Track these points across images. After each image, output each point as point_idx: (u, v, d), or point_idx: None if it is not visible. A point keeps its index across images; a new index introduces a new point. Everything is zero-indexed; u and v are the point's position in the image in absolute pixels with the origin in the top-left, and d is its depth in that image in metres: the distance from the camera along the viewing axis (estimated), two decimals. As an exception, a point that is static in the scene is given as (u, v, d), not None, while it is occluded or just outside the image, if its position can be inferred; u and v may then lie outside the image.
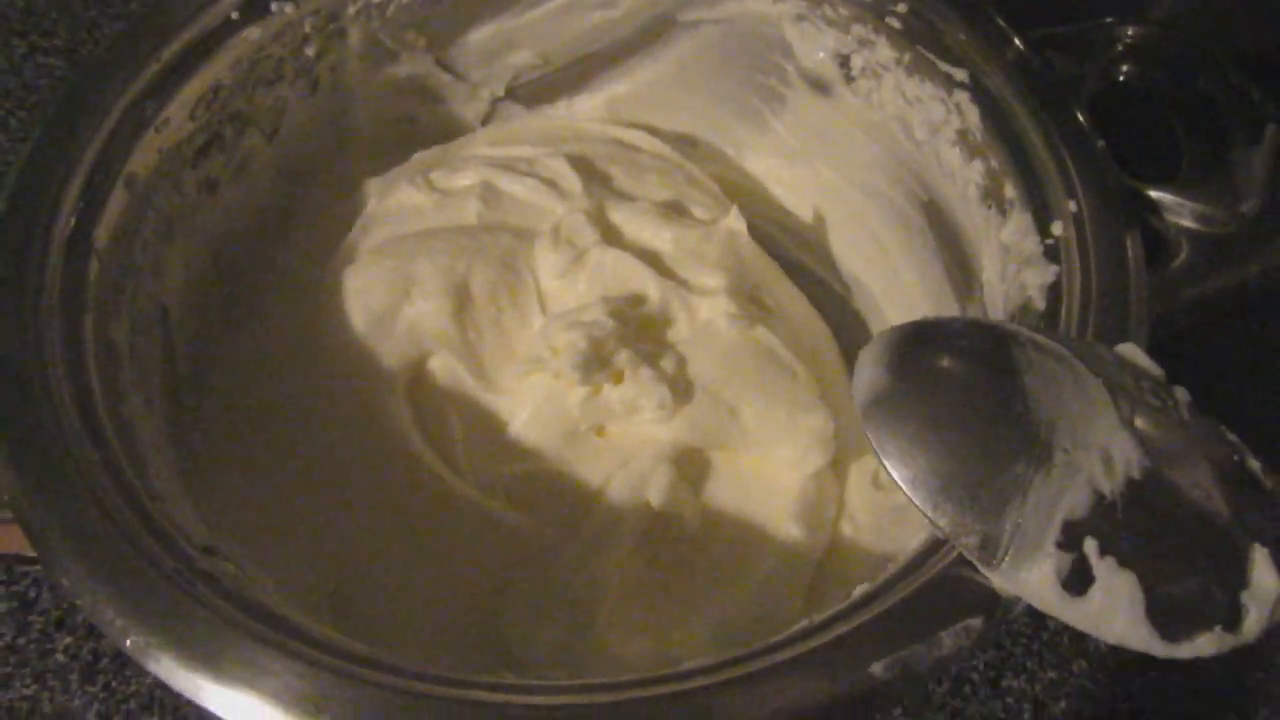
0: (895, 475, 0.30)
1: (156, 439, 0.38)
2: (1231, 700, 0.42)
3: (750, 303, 0.46)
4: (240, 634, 0.30)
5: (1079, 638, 0.44)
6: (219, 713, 0.29)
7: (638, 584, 0.41)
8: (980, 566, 0.29)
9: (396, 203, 0.48)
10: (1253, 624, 0.29)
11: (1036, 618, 0.44)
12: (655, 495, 0.41)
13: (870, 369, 0.31)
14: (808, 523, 0.42)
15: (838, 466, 0.44)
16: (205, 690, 0.29)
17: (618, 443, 0.43)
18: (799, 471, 0.43)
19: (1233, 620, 0.29)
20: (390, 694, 0.29)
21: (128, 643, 0.29)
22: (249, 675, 0.29)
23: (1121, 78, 0.47)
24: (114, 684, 0.42)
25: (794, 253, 0.53)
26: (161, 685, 0.42)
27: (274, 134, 0.48)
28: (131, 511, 0.32)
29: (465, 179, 0.49)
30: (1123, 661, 0.43)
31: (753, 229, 0.50)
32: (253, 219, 0.48)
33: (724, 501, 0.43)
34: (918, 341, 0.32)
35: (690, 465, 0.43)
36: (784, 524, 0.42)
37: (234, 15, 0.44)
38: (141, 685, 0.42)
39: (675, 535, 0.42)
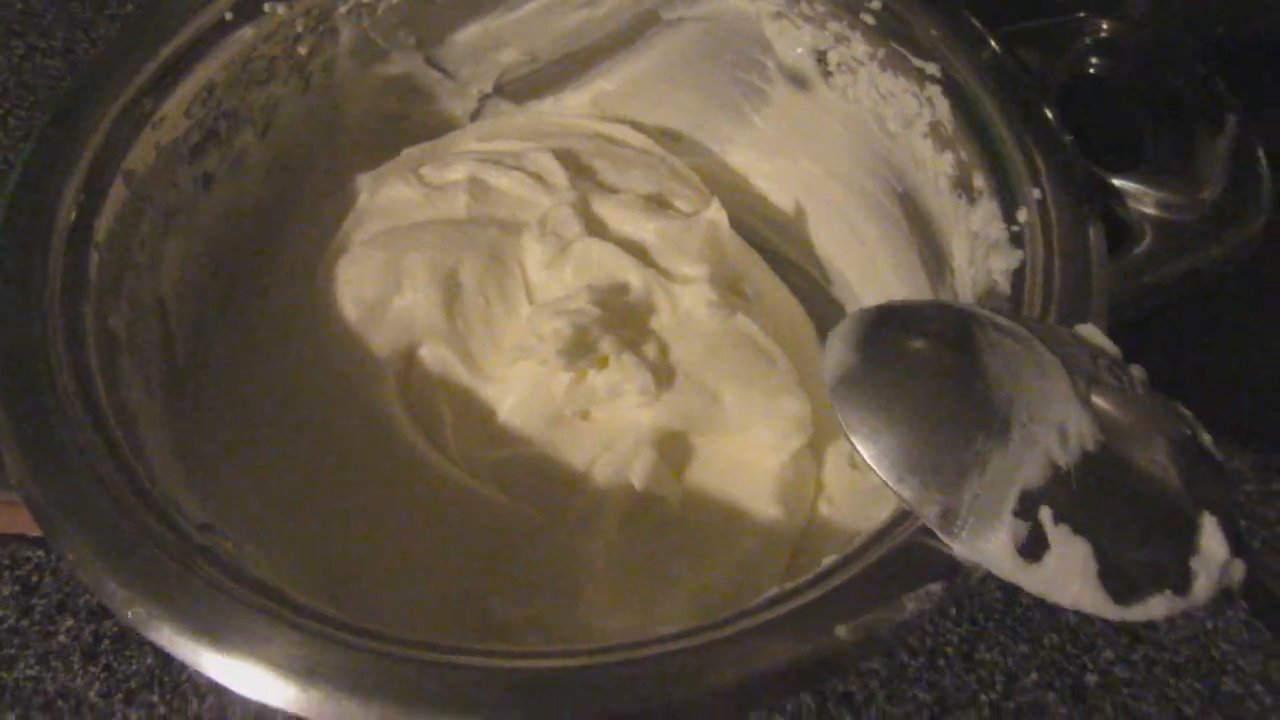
0: (861, 450, 0.31)
1: (155, 424, 0.39)
2: (1196, 669, 0.44)
3: (731, 291, 0.48)
4: (237, 604, 0.31)
5: (1050, 613, 0.45)
6: (217, 678, 0.30)
7: (621, 563, 0.42)
8: (941, 535, 0.30)
9: (387, 197, 0.50)
10: (1202, 589, 0.30)
11: (1009, 594, 0.46)
12: (638, 477, 0.43)
13: (839, 349, 0.33)
14: (786, 503, 0.44)
15: (816, 449, 0.46)
16: (204, 658, 0.30)
17: (602, 427, 0.45)
18: (778, 454, 0.44)
19: (1183, 585, 0.30)
20: (377, 658, 0.30)
21: (130, 614, 0.30)
22: (246, 643, 0.30)
23: (1091, 70, 0.48)
24: (115, 664, 0.44)
25: (775, 243, 0.55)
26: (161, 664, 0.44)
27: (267, 131, 0.50)
28: (131, 491, 0.34)
29: (454, 173, 0.50)
30: (1091, 635, 0.45)
31: (735, 221, 0.51)
32: (247, 214, 0.49)
33: (705, 483, 0.45)
34: (884, 323, 0.34)
35: (672, 448, 0.45)
36: (763, 504, 0.44)
37: (228, 16, 0.45)
38: (142, 665, 0.44)
39: (658, 516, 0.43)
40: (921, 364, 0.33)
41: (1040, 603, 0.46)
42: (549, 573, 0.42)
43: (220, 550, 0.34)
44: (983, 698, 0.43)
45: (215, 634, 0.31)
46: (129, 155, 0.42)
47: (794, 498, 0.44)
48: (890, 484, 0.31)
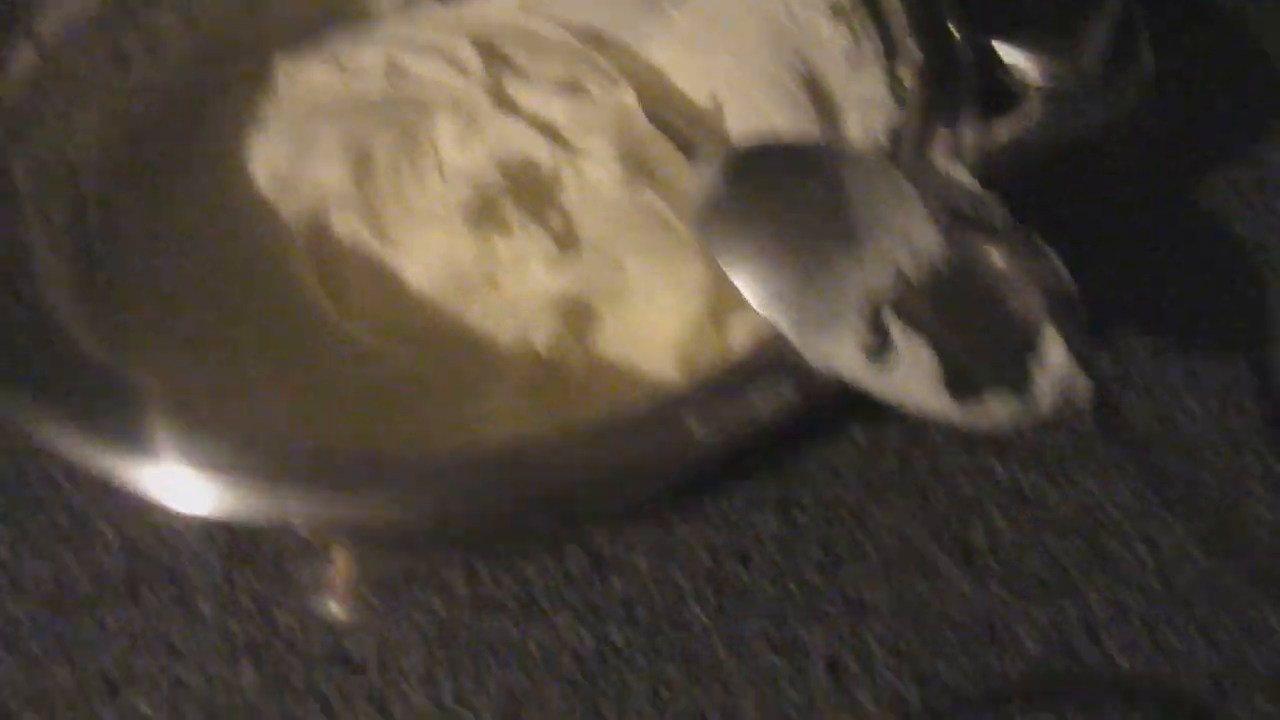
0: (724, 267, 0.33)
1: (58, 276, 0.40)
2: (1080, 529, 0.45)
3: (639, 170, 0.49)
4: (152, 417, 0.32)
5: (942, 477, 0.47)
6: (143, 489, 0.31)
7: (523, 425, 0.44)
8: (795, 342, 0.32)
9: (304, 80, 0.51)
10: (1045, 397, 0.32)
11: (903, 459, 0.47)
12: (542, 341, 0.44)
13: (706, 179, 0.34)
14: (687, 370, 0.45)
15: (719, 319, 0.47)
16: (118, 466, 0.31)
17: (509, 294, 0.46)
18: (680, 320, 0.45)
19: (1027, 395, 0.32)
20: (305, 454, 0.32)
21: (37, 430, 0.31)
22: (166, 449, 0.31)
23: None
24: (25, 522, 0.45)
25: (691, 136, 0.56)
26: (74, 521, 0.45)
27: (188, 16, 0.50)
28: (31, 321, 0.35)
29: (371, 57, 0.51)
30: (980, 498, 0.46)
31: (655, 117, 0.52)
32: (166, 96, 0.50)
33: (608, 350, 0.46)
34: (752, 155, 0.35)
35: (577, 316, 0.46)
36: (665, 370, 0.45)
37: (143, -112, 0.46)
38: (52, 521, 0.45)
39: (561, 381, 0.45)
40: (783, 190, 0.34)
41: (932, 467, 0.47)
42: (452, 432, 0.43)
43: (128, 380, 0.34)
44: (873, 555, 0.45)
45: (133, 442, 0.31)
46: (37, 19, 0.43)
47: (694, 364, 0.46)
48: (749, 297, 0.32)
